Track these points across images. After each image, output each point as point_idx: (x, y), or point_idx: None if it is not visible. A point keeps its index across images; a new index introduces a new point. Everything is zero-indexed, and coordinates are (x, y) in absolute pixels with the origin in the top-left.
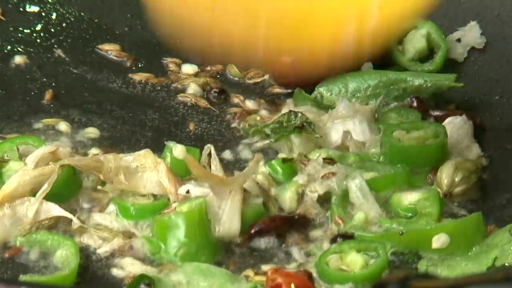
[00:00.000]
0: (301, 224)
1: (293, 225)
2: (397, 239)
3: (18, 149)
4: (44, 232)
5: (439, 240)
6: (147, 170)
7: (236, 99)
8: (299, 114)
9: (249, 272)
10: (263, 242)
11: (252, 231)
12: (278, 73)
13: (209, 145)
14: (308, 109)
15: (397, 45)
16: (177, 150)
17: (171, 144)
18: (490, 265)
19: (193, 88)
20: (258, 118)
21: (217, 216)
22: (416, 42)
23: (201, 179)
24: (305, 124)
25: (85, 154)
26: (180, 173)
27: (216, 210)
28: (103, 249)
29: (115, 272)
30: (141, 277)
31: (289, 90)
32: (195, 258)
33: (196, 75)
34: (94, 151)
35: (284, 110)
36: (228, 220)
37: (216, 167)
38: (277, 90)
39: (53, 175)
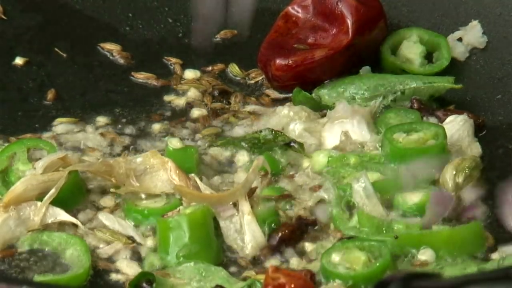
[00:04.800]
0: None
1: (306, 230)
2: (392, 243)
3: (28, 150)
4: (51, 232)
5: (424, 254)
6: (156, 170)
7: (233, 100)
8: (279, 133)
9: (250, 273)
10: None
11: (274, 243)
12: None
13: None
14: (302, 109)
15: (398, 58)
16: (173, 142)
17: (171, 141)
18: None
19: (193, 92)
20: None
21: (238, 240)
22: (414, 50)
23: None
24: (294, 143)
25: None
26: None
27: (234, 233)
28: (105, 251)
29: (115, 273)
30: (143, 275)
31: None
32: (197, 259)
33: (198, 79)
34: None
35: (280, 110)
36: (252, 237)
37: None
38: (272, 92)
39: (61, 180)
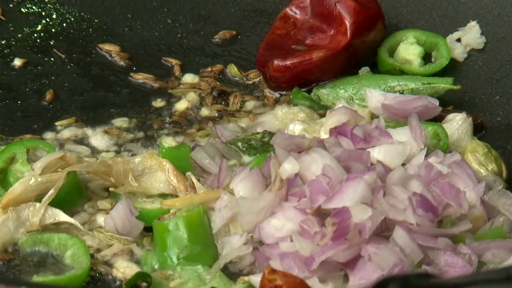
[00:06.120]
0: None
1: None
2: None
3: (28, 151)
4: (51, 233)
5: None
6: (154, 170)
7: (232, 100)
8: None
9: (246, 277)
10: None
11: None
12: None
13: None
14: (301, 109)
15: (396, 60)
16: (167, 140)
17: (165, 139)
18: None
19: (191, 96)
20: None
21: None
22: (412, 51)
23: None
24: None
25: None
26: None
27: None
28: (104, 253)
29: (114, 274)
30: (139, 275)
31: (283, 92)
32: (197, 260)
33: (195, 85)
34: (103, 155)
35: (278, 110)
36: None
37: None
38: (271, 93)
39: (59, 181)
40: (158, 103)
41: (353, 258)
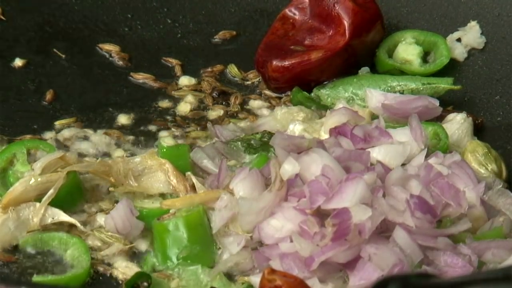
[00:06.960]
0: None
1: None
2: None
3: (28, 152)
4: (51, 233)
5: None
6: (154, 170)
7: (233, 101)
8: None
9: (246, 277)
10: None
11: None
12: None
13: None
14: (301, 109)
15: (396, 60)
16: (166, 139)
17: (164, 139)
18: None
19: (189, 99)
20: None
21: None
22: (411, 51)
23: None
24: None
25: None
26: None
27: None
28: (104, 253)
29: (114, 274)
30: (139, 275)
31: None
32: (197, 260)
33: (197, 83)
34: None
35: (278, 110)
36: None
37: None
38: (270, 93)
39: (59, 181)
40: (158, 103)
41: (353, 258)
